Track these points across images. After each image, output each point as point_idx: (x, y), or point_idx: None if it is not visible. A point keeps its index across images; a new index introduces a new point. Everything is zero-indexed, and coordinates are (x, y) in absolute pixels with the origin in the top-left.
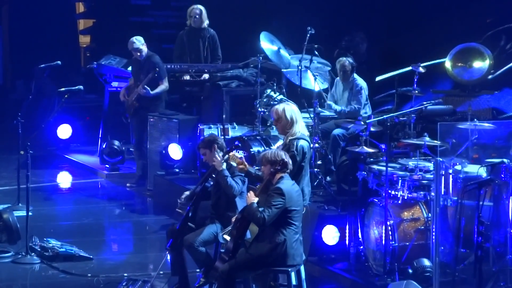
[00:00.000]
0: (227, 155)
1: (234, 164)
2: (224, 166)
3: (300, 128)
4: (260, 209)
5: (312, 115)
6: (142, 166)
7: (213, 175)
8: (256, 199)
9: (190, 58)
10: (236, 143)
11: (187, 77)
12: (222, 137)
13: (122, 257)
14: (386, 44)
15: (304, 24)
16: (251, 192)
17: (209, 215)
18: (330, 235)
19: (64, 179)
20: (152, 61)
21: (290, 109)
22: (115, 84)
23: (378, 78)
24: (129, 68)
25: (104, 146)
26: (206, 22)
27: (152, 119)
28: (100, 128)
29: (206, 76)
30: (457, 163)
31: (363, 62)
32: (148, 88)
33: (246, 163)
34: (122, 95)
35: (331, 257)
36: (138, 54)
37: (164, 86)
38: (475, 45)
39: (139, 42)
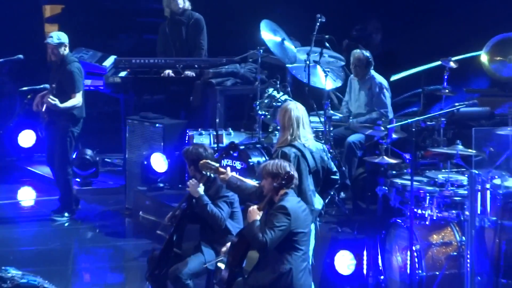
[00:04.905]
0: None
1: (211, 174)
2: (202, 190)
3: (292, 134)
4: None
5: (322, 119)
6: (63, 193)
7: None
8: (259, 216)
9: (175, 49)
10: (234, 153)
11: (168, 73)
12: (215, 145)
13: None
14: (407, 35)
15: (313, 10)
16: (254, 208)
17: (197, 240)
18: (344, 262)
19: (26, 196)
20: (67, 69)
21: (285, 112)
22: (87, 82)
23: (393, 78)
24: (105, 63)
25: (74, 156)
26: (187, 4)
27: (131, 124)
28: None
29: (189, 73)
30: (496, 176)
31: (376, 56)
32: (57, 100)
33: (224, 170)
34: (36, 105)
35: None
36: (51, 53)
37: (76, 100)
38: None
39: (55, 38)
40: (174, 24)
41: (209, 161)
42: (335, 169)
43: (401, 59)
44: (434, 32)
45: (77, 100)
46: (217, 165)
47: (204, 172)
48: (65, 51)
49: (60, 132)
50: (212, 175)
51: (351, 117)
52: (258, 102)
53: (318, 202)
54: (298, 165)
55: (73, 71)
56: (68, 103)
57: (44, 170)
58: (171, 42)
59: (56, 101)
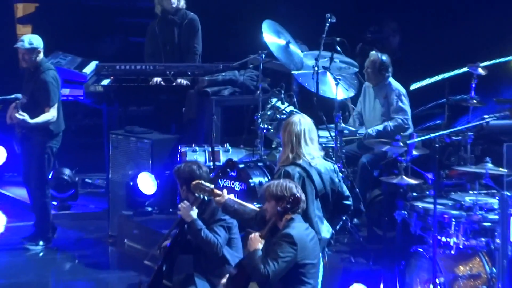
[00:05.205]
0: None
1: (204, 196)
2: (195, 214)
3: (292, 151)
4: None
5: (333, 134)
6: (38, 218)
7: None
8: (261, 244)
9: (165, 53)
10: (231, 173)
11: (157, 80)
12: (211, 163)
13: None
14: (429, 37)
15: (322, 10)
16: (256, 235)
17: (190, 271)
18: None
19: None
20: (41, 79)
21: (286, 126)
22: (65, 91)
23: (413, 86)
24: (85, 70)
25: (50, 176)
26: (182, 2)
27: (115, 139)
28: None
29: (182, 81)
30: None
31: (394, 61)
32: (25, 115)
33: (220, 191)
34: (9, 117)
35: None
36: (22, 59)
37: (49, 115)
38: None
39: (27, 42)
40: (165, 24)
41: (202, 181)
42: (347, 193)
43: (422, 65)
44: (459, 35)
45: (50, 114)
46: (212, 186)
47: (197, 194)
48: (39, 57)
49: (36, 148)
50: (206, 197)
51: (361, 130)
52: (259, 114)
53: (325, 230)
54: (303, 187)
55: (48, 81)
56: (40, 119)
57: (16, 192)
58: (161, 45)
59: (25, 116)
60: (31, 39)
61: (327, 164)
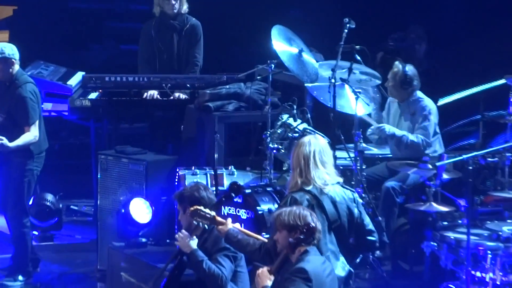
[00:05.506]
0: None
1: (204, 224)
2: (195, 244)
3: (301, 175)
4: None
5: (352, 154)
6: (17, 250)
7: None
8: (270, 281)
9: (160, 62)
10: (236, 198)
11: (153, 94)
12: (214, 188)
13: None
14: (460, 46)
15: (339, 14)
16: (264, 270)
17: None
18: None
19: None
20: (18, 94)
21: (295, 148)
22: (48, 106)
23: (442, 101)
24: (70, 82)
25: (30, 203)
26: (185, 7)
27: (104, 161)
28: None
29: (181, 95)
30: None
31: (420, 73)
32: (4, 139)
33: (223, 220)
34: None
35: None
36: None
37: (30, 135)
38: None
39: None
40: (163, 28)
41: (202, 208)
42: (371, 226)
43: (452, 77)
44: (495, 42)
45: (32, 134)
46: (213, 213)
47: (195, 222)
48: (13, 69)
49: (15, 171)
50: (206, 226)
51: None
52: (268, 133)
53: (341, 268)
54: None
55: (25, 97)
56: (20, 140)
57: None
58: (156, 52)
59: (4, 140)
60: (3, 48)
61: (345, 192)
